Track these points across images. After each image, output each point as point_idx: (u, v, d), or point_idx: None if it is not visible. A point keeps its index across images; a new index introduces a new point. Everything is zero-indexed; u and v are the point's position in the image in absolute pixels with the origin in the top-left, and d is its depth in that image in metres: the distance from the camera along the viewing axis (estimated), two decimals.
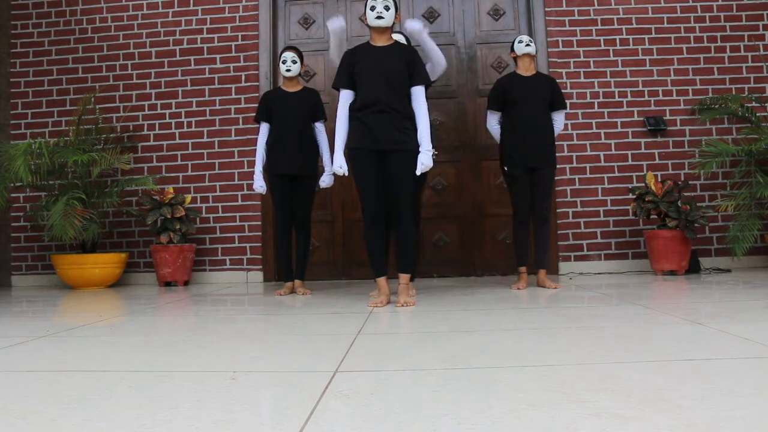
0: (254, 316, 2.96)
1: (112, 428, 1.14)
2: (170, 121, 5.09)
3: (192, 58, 5.10)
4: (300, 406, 1.25)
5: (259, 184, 3.86)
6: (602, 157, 4.88)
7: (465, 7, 5.13)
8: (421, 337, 2.12)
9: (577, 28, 4.95)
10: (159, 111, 5.10)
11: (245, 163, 4.98)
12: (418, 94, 3.16)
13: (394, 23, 3.20)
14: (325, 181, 3.83)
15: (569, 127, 4.80)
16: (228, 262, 4.98)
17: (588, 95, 4.91)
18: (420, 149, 3.06)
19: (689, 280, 3.98)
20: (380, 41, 3.20)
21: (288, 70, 3.80)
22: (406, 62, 3.13)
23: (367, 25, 3.23)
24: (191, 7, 5.13)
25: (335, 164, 3.12)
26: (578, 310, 2.75)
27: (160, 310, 3.17)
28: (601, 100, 4.91)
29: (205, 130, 5.05)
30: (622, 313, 2.51)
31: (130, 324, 2.65)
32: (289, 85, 3.88)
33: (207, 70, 5.08)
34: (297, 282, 3.86)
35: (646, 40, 4.93)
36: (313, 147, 3.86)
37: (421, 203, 3.82)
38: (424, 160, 3.04)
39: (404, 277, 3.12)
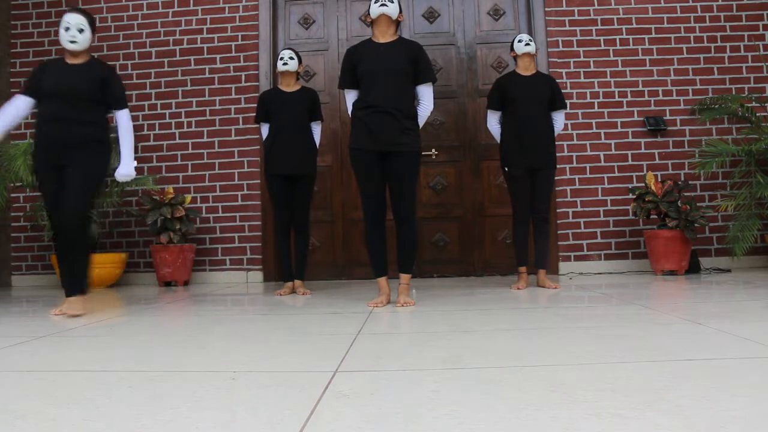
0: (254, 316, 2.96)
1: (112, 428, 1.14)
2: (170, 121, 5.09)
3: (192, 58, 5.10)
4: (300, 406, 1.25)
5: None
6: (602, 157, 4.88)
7: (465, 7, 5.13)
8: (421, 337, 2.12)
9: (577, 28, 4.95)
10: (159, 111, 5.10)
11: (245, 163, 4.98)
12: (424, 92, 3.15)
13: (398, 21, 3.16)
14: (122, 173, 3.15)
15: (569, 127, 4.80)
16: (228, 262, 4.97)
17: (588, 95, 4.91)
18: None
19: (689, 280, 3.98)
20: (383, 37, 3.14)
21: (285, 64, 3.79)
22: (411, 60, 3.08)
23: (370, 24, 3.19)
24: (191, 7, 5.13)
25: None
26: (578, 310, 2.75)
27: (160, 310, 3.17)
28: (601, 100, 4.91)
29: (205, 130, 5.05)
30: (622, 313, 2.51)
31: (130, 324, 2.65)
32: (287, 84, 3.87)
33: (207, 70, 5.08)
34: (297, 282, 3.86)
35: (646, 40, 4.93)
36: (311, 146, 3.85)
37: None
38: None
39: (405, 277, 3.12)
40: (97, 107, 3.06)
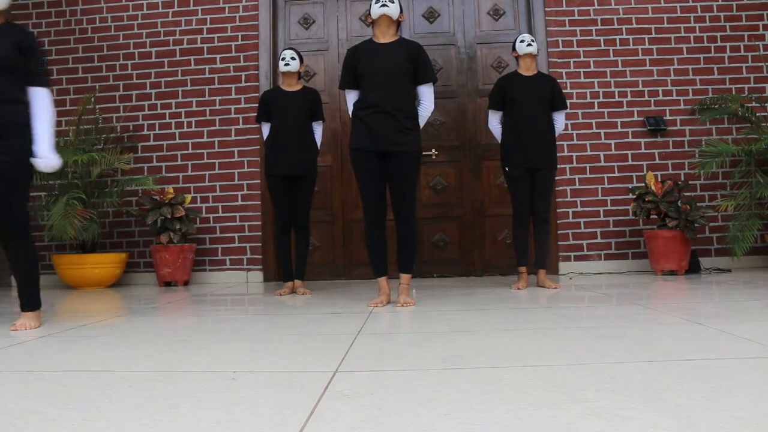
0: (254, 316, 2.96)
1: (112, 428, 1.14)
2: (170, 121, 5.09)
3: (192, 58, 5.10)
4: (300, 406, 1.25)
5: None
6: (602, 157, 4.88)
7: (465, 7, 5.13)
8: (421, 337, 2.12)
9: (577, 28, 4.95)
10: (159, 111, 5.10)
11: (245, 163, 4.98)
12: (424, 93, 3.15)
13: (399, 21, 3.17)
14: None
15: (569, 127, 4.80)
16: (228, 262, 4.98)
17: (588, 95, 4.91)
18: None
19: (689, 280, 3.98)
20: (384, 38, 3.14)
21: (287, 65, 3.79)
22: (411, 60, 3.08)
23: (370, 24, 3.19)
24: (191, 7, 5.13)
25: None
26: (578, 310, 2.75)
27: (160, 310, 3.17)
28: (601, 100, 4.91)
29: (205, 130, 5.05)
30: (622, 313, 2.51)
31: (130, 324, 2.65)
32: (288, 84, 3.87)
33: (207, 70, 5.08)
34: (297, 282, 3.86)
35: (646, 40, 4.93)
36: (312, 147, 3.84)
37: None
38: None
39: (405, 277, 3.12)
40: (17, 80, 2.48)
